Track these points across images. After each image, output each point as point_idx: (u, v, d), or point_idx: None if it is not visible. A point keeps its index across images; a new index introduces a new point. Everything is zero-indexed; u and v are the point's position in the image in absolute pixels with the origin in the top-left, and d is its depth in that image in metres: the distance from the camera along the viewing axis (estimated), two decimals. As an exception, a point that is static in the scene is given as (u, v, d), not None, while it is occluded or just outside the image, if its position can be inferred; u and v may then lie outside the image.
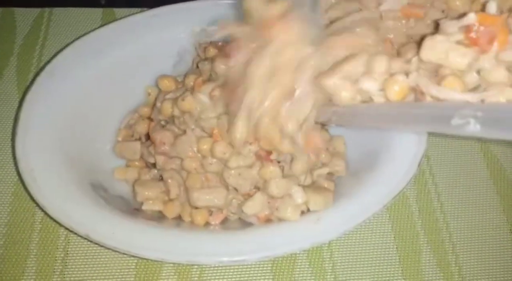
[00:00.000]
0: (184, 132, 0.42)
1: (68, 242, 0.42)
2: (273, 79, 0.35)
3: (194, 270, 0.42)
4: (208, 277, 0.41)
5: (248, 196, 0.40)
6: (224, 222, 0.41)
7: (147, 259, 0.41)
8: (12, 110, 0.50)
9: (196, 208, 0.41)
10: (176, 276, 0.41)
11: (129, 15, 0.50)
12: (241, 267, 0.42)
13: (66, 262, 0.41)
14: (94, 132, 0.46)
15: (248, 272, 0.42)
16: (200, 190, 0.40)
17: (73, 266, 0.41)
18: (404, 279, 0.43)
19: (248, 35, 0.37)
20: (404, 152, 0.41)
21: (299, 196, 0.39)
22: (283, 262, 0.43)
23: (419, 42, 0.31)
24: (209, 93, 0.40)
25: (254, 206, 0.39)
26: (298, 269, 0.42)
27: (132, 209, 0.42)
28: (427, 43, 0.31)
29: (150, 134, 0.44)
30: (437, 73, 0.31)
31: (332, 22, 0.39)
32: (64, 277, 0.41)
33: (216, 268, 0.42)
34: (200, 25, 0.48)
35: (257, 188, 0.40)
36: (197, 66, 0.46)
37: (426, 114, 0.29)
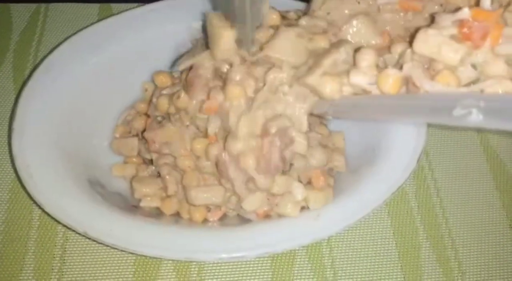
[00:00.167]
0: (179, 129, 0.41)
1: (66, 239, 0.42)
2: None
3: (193, 266, 0.42)
4: (207, 274, 0.41)
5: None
6: (223, 218, 0.41)
7: (145, 256, 0.41)
8: (9, 106, 0.49)
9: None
10: (175, 273, 0.41)
11: (126, 10, 0.50)
12: (240, 263, 0.42)
13: (64, 259, 0.41)
14: (92, 128, 0.45)
15: (247, 269, 0.42)
16: (198, 188, 0.40)
17: (71, 264, 0.41)
18: (403, 274, 0.43)
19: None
20: (403, 147, 0.41)
21: (299, 192, 0.39)
22: (282, 258, 0.42)
23: (413, 35, 0.31)
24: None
25: (254, 203, 0.39)
26: (297, 265, 0.42)
27: (130, 205, 0.42)
28: (420, 35, 0.30)
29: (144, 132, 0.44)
30: (430, 66, 0.31)
31: (329, 22, 0.39)
32: (62, 275, 0.40)
33: (215, 265, 0.42)
34: (198, 20, 0.48)
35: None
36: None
37: (426, 105, 0.29)
